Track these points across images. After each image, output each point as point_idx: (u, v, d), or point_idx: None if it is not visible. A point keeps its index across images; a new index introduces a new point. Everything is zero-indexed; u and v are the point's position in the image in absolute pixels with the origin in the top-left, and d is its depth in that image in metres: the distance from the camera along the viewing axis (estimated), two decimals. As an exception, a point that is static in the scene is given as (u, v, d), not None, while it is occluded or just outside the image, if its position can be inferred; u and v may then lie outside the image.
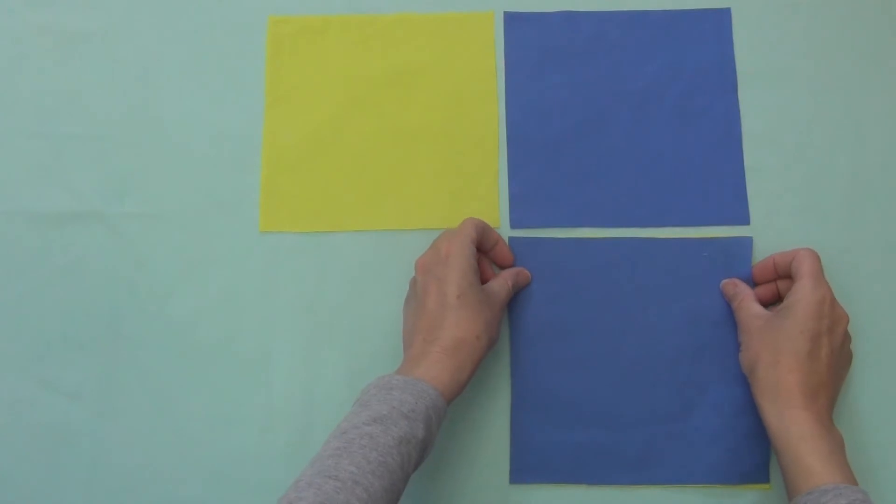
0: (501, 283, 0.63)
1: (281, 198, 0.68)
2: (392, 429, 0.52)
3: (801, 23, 0.71)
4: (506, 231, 0.67)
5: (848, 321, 0.60)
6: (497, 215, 0.67)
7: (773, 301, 0.64)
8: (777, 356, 0.58)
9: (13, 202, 0.68)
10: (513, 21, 0.70)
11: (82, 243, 0.67)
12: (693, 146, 0.68)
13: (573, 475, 0.63)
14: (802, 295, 0.59)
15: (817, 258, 0.61)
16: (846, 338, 0.60)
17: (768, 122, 0.68)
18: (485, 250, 0.64)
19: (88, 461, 0.64)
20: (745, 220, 0.67)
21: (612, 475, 0.63)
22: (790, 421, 0.56)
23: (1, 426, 0.64)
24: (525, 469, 0.63)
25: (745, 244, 0.66)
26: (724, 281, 0.65)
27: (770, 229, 0.66)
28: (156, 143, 0.69)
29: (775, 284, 0.63)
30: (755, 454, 0.62)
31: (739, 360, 0.62)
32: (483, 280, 0.63)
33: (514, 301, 0.65)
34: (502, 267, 0.66)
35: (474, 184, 0.68)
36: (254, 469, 0.63)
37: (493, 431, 0.64)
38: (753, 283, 0.64)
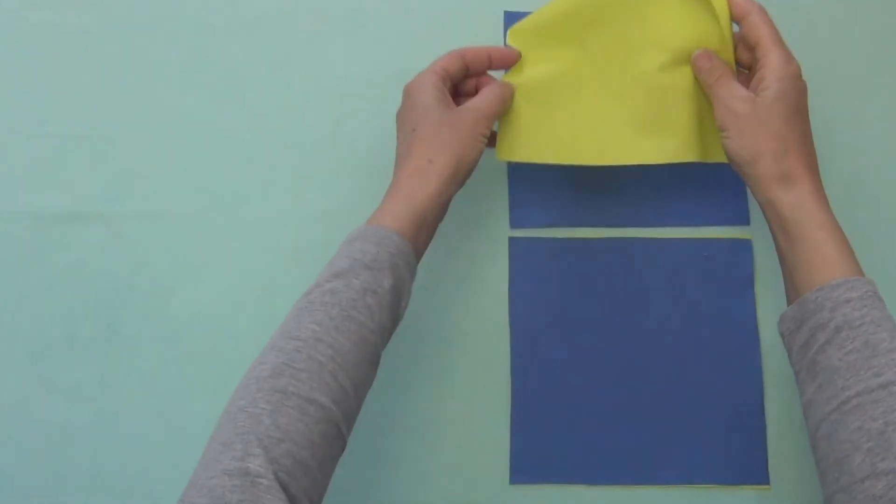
0: (482, 97, 0.61)
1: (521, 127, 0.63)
2: (354, 281, 0.50)
3: (802, 23, 0.71)
4: (505, 231, 0.67)
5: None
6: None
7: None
8: (784, 144, 0.55)
9: (13, 202, 0.68)
10: None
11: (82, 243, 0.67)
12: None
13: (573, 475, 0.63)
14: (783, 72, 0.56)
15: (771, 21, 0.58)
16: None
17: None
18: (481, 70, 0.62)
19: (88, 461, 0.64)
20: (745, 220, 0.67)
21: (612, 475, 0.63)
22: (806, 209, 0.53)
23: (1, 426, 0.64)
24: (525, 469, 0.63)
25: (746, 245, 0.66)
26: (696, 54, 0.60)
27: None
28: (156, 143, 0.69)
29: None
30: (755, 454, 0.62)
31: (726, 149, 0.57)
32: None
33: (514, 301, 0.65)
34: (509, 66, 0.64)
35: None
36: (254, 469, 0.63)
37: (493, 431, 0.64)
38: None
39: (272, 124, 0.70)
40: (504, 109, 0.62)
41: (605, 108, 0.63)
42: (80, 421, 0.64)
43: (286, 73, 0.71)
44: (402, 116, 0.60)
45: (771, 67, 0.56)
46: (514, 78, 0.64)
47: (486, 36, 0.71)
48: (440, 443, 0.63)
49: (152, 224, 0.68)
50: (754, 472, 0.62)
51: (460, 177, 0.59)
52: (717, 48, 0.61)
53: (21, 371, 0.65)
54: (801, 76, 0.57)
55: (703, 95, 0.61)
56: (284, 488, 0.44)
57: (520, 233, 0.67)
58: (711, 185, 0.67)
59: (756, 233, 0.66)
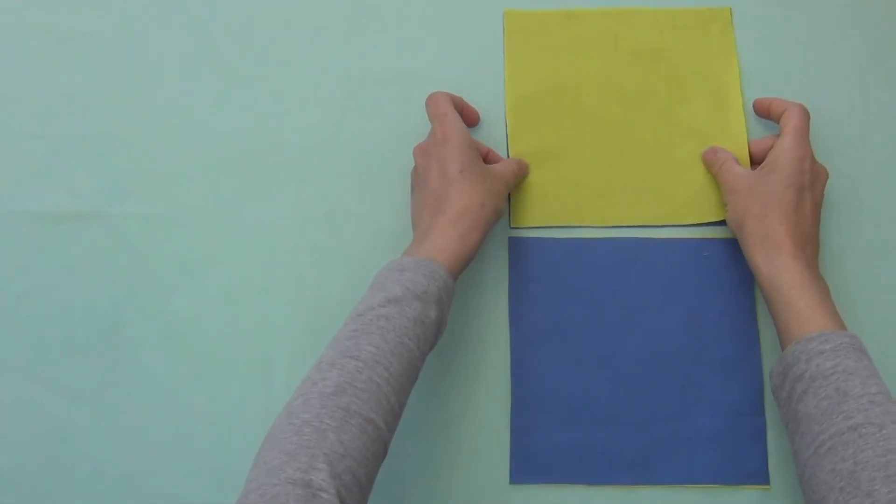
0: (506, 163, 0.65)
1: (532, 194, 0.68)
2: (406, 310, 0.53)
3: (802, 23, 0.71)
4: (505, 231, 0.67)
5: (827, 177, 0.62)
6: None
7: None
8: (766, 209, 0.60)
9: (13, 202, 0.68)
10: None
11: (82, 243, 0.67)
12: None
13: (573, 475, 0.63)
14: (785, 150, 0.61)
15: (805, 116, 0.62)
16: (823, 196, 0.62)
17: (769, 121, 0.68)
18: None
19: (88, 461, 0.64)
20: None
21: (612, 475, 0.63)
22: (782, 269, 0.58)
23: (1, 426, 0.64)
24: (525, 469, 0.63)
25: (746, 244, 0.66)
26: (704, 150, 0.67)
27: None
28: (156, 143, 0.69)
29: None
30: (755, 454, 0.62)
31: (726, 220, 0.64)
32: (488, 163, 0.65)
33: (514, 301, 0.65)
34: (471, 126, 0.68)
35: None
36: (254, 469, 0.63)
37: (493, 431, 0.63)
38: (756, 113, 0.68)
39: (272, 124, 0.70)
40: (518, 183, 0.67)
41: (606, 175, 0.68)
42: (80, 421, 0.64)
43: (286, 74, 0.71)
44: (444, 154, 0.61)
45: (779, 148, 0.61)
46: (520, 146, 0.68)
47: (486, 36, 0.71)
48: (440, 443, 0.63)
49: (152, 224, 0.68)
50: (754, 472, 0.62)
51: (494, 224, 0.62)
52: (716, 125, 0.68)
53: (21, 371, 0.65)
54: (807, 159, 0.60)
55: (699, 164, 0.68)
56: (342, 502, 0.46)
57: (520, 233, 0.67)
58: (711, 184, 0.67)
59: (756, 233, 0.66)
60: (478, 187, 0.60)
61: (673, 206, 0.67)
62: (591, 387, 0.64)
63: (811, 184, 0.60)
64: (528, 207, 0.67)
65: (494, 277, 0.66)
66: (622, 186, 0.68)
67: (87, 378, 0.65)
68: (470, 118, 0.67)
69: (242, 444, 0.63)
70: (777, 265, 0.58)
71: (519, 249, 0.66)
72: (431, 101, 0.64)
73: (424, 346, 0.54)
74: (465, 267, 0.59)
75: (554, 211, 0.67)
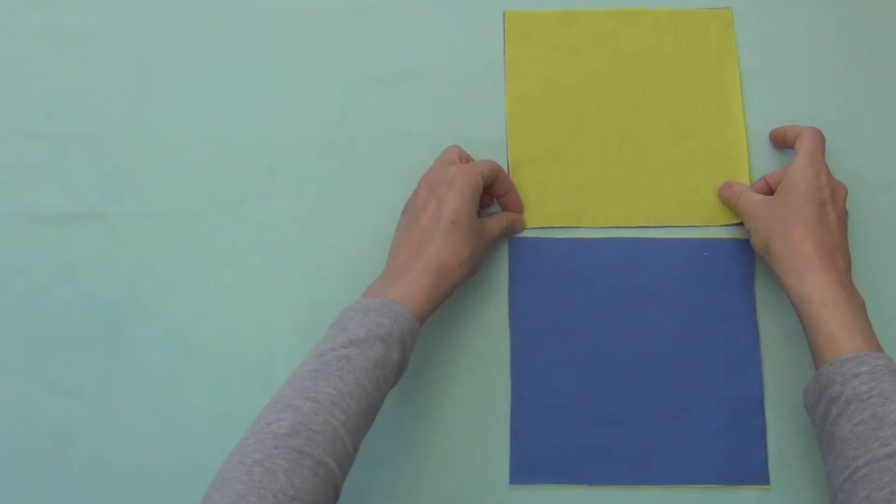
0: (496, 220, 0.64)
1: (532, 195, 0.68)
2: (368, 352, 0.53)
3: (802, 23, 0.71)
4: (506, 231, 0.67)
5: (847, 192, 0.62)
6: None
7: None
8: (788, 227, 0.59)
9: (13, 202, 0.68)
10: None
11: (82, 243, 0.67)
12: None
13: (573, 475, 0.63)
14: (799, 170, 0.60)
15: (819, 138, 0.62)
16: (846, 211, 0.62)
17: (769, 121, 0.68)
18: (497, 194, 0.65)
19: (88, 461, 0.64)
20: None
21: (612, 475, 0.63)
22: (812, 286, 0.57)
23: (1, 426, 0.64)
24: (525, 470, 0.63)
25: (746, 245, 0.66)
26: (720, 185, 0.67)
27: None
28: (156, 143, 0.69)
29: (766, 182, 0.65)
30: (755, 454, 0.62)
31: (752, 245, 0.63)
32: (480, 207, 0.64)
33: (514, 301, 0.65)
34: (509, 211, 0.66)
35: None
36: (254, 469, 0.63)
37: (493, 432, 0.63)
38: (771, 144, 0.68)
39: (272, 124, 0.70)
40: (505, 238, 0.67)
41: (607, 175, 0.68)
42: (80, 421, 0.64)
43: (286, 74, 0.71)
44: (446, 196, 0.60)
45: (793, 169, 0.61)
46: (520, 146, 0.68)
47: (486, 36, 0.71)
48: (440, 443, 0.63)
49: (152, 224, 0.68)
50: (754, 472, 0.62)
51: (465, 281, 0.61)
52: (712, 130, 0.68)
53: (21, 371, 0.65)
54: (822, 175, 0.60)
55: (698, 165, 0.68)
56: None
57: (520, 233, 0.67)
58: (711, 183, 0.68)
59: (756, 233, 0.66)
60: (462, 245, 0.59)
61: (673, 206, 0.67)
62: (592, 387, 0.64)
63: (831, 197, 0.60)
64: (528, 208, 0.67)
65: (494, 277, 0.66)
66: (622, 186, 0.68)
67: (87, 377, 0.65)
68: (512, 203, 0.66)
69: (242, 444, 0.64)
70: (807, 283, 0.57)
71: (519, 249, 0.66)
72: (458, 149, 0.64)
73: (384, 387, 0.54)
74: (428, 317, 0.58)
75: (554, 211, 0.67)
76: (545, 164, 0.68)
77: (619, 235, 0.67)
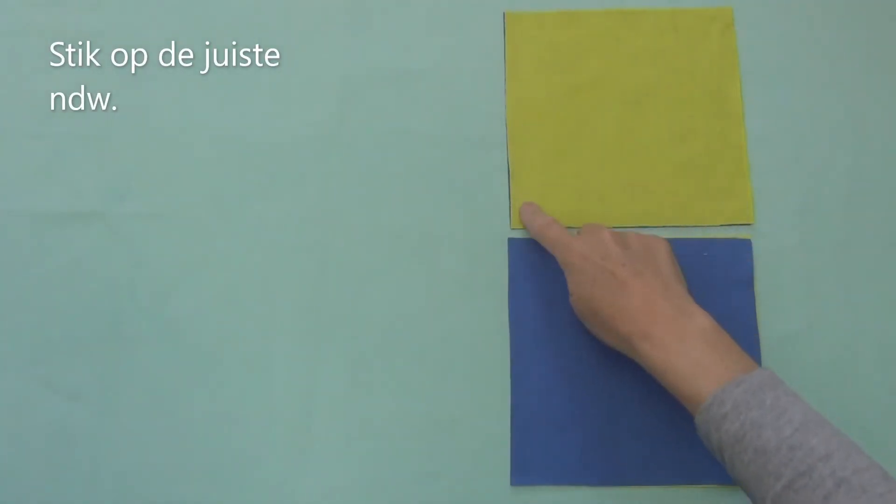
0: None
1: (532, 195, 0.68)
2: None
3: (802, 23, 0.71)
4: (505, 231, 0.67)
5: (604, 230, 0.60)
6: (751, 212, 0.67)
7: None
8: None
9: (13, 202, 0.68)
10: None
11: (82, 243, 0.67)
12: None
13: (574, 476, 0.63)
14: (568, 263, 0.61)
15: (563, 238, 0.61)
16: (620, 244, 0.59)
17: (769, 121, 0.68)
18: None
19: (88, 461, 0.64)
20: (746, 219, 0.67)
21: (612, 476, 0.63)
22: (642, 359, 0.56)
23: (1, 426, 0.64)
24: (526, 471, 0.63)
25: (746, 245, 0.66)
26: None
27: (770, 229, 0.66)
28: (156, 143, 0.69)
29: None
30: (755, 454, 0.62)
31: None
32: None
33: (514, 301, 0.65)
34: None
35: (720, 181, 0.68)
36: (254, 469, 0.63)
37: (493, 432, 0.63)
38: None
39: (272, 124, 0.70)
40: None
41: (607, 176, 0.68)
42: (80, 421, 0.64)
43: (286, 73, 0.71)
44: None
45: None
46: (520, 147, 0.68)
47: (486, 36, 0.71)
48: (440, 443, 0.63)
49: (152, 224, 0.68)
50: (754, 472, 0.62)
51: None
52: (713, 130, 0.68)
53: (21, 371, 0.65)
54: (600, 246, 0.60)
55: (697, 165, 0.67)
56: None
57: (520, 233, 0.67)
58: (712, 184, 0.67)
59: (756, 233, 0.66)
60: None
61: (673, 206, 0.67)
62: (592, 387, 0.64)
63: (602, 259, 0.59)
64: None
65: (494, 277, 0.66)
66: (622, 186, 0.68)
67: (87, 378, 0.65)
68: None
69: (242, 444, 0.64)
70: (640, 355, 0.56)
71: (519, 249, 0.66)
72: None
73: None
74: None
75: (554, 211, 0.67)
76: (545, 165, 0.68)
77: (619, 235, 0.67)
